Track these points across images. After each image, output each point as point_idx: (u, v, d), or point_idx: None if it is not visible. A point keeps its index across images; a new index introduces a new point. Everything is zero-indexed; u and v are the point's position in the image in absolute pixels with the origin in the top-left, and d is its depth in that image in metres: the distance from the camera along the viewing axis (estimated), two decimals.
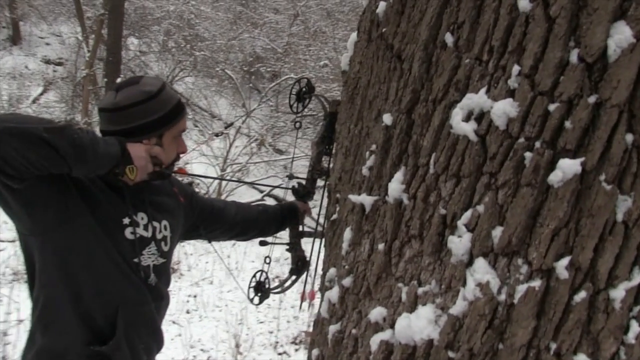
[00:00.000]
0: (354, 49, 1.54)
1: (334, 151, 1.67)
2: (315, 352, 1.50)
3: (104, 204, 1.47)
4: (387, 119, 1.26)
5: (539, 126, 1.02)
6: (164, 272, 1.63)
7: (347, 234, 1.39)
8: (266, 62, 15.79)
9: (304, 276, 2.02)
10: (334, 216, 1.51)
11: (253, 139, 12.31)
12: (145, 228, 1.56)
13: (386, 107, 1.30)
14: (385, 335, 1.22)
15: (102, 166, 1.37)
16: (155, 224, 1.59)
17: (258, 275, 1.99)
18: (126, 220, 1.51)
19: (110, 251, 1.47)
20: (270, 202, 13.93)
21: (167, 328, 4.74)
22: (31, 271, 1.46)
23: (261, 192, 13.52)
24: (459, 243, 1.10)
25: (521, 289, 1.04)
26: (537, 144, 1.03)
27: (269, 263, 2.05)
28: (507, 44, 1.07)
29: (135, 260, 1.53)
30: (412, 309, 1.18)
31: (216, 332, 4.67)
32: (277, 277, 6.05)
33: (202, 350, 4.49)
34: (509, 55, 1.06)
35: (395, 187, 1.22)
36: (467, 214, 1.10)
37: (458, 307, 1.09)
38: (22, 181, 1.28)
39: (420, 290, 1.17)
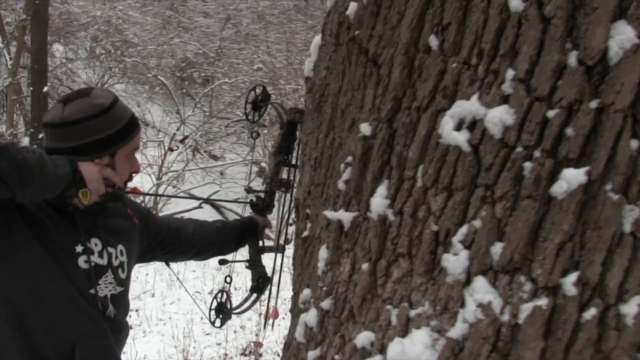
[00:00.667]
0: (318, 54, 1.43)
1: (299, 163, 1.56)
2: None
3: (52, 231, 1.29)
4: (364, 128, 1.17)
5: (537, 134, 0.96)
6: (122, 301, 1.46)
7: (323, 252, 1.28)
8: (198, 66, 15.42)
9: (266, 294, 1.92)
10: (305, 233, 1.40)
11: (188, 146, 11.97)
12: (100, 255, 1.39)
13: (362, 116, 1.20)
14: None
15: (51, 190, 1.20)
16: (111, 249, 1.42)
17: (219, 296, 1.85)
18: (79, 248, 1.34)
19: (63, 283, 1.30)
20: (207, 209, 13.63)
21: None
22: None
23: (198, 199, 13.17)
24: (455, 261, 1.02)
25: (526, 308, 0.97)
26: (537, 153, 0.96)
27: (229, 283, 1.91)
28: (498, 47, 1.00)
29: (92, 291, 1.36)
30: (404, 332, 1.09)
31: (162, 347, 4.44)
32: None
33: None
34: (500, 59, 0.99)
35: (379, 202, 1.12)
36: (463, 230, 1.02)
37: (457, 330, 1.01)
38: None
39: (412, 313, 1.08)
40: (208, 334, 4.90)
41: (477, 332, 0.99)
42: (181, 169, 11.48)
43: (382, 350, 1.12)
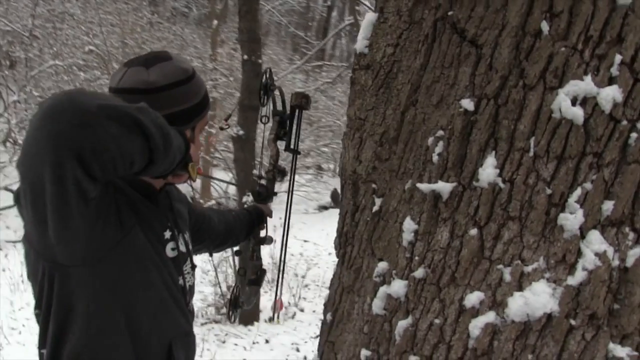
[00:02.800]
0: (374, 31, 1.47)
1: (343, 140, 1.58)
2: (364, 353, 1.42)
3: (146, 214, 1.14)
4: (467, 104, 1.26)
5: (639, 109, 1.16)
6: (193, 292, 1.34)
7: (410, 224, 1.34)
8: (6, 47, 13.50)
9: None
10: (375, 208, 1.44)
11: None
12: (181, 242, 1.26)
13: (454, 92, 1.29)
14: (487, 318, 1.23)
15: (174, 163, 1.07)
16: (185, 236, 1.30)
17: (236, 290, 1.78)
18: (167, 234, 1.21)
19: (163, 274, 1.17)
20: None
21: None
22: (58, 304, 1.08)
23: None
24: (573, 219, 1.18)
25: (632, 253, 1.17)
26: (638, 125, 1.16)
27: (243, 275, 1.85)
28: (604, 34, 1.17)
29: (180, 282, 1.23)
30: (519, 287, 1.22)
31: (29, 357, 3.97)
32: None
33: None
34: (606, 45, 1.17)
35: (490, 172, 1.23)
36: (578, 192, 1.18)
37: (577, 278, 1.17)
38: (97, 186, 0.92)
39: (528, 269, 1.21)
40: None
41: (597, 277, 1.17)
42: (7, 160, 10.03)
43: (493, 306, 1.24)
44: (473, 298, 1.25)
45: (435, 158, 1.31)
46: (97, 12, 12.11)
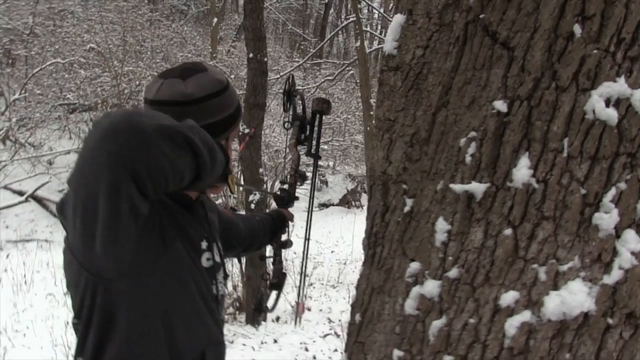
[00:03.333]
0: (402, 33, 1.49)
1: (375, 143, 1.59)
2: (397, 353, 1.44)
3: (184, 225, 1.16)
4: (500, 105, 1.28)
5: None
6: (224, 302, 1.36)
7: (442, 224, 1.36)
8: (6, 44, 13.47)
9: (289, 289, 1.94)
10: (406, 209, 1.45)
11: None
12: (216, 252, 1.28)
13: (486, 94, 1.31)
14: (523, 317, 1.25)
15: (216, 177, 1.08)
16: (218, 245, 1.32)
17: (259, 294, 1.81)
18: (204, 245, 1.22)
19: (199, 282, 1.18)
20: (33, 204, 12.11)
21: None
22: (99, 314, 1.09)
23: (22, 194, 11.67)
24: (608, 218, 1.20)
25: None
26: None
27: (267, 280, 1.87)
28: (636, 37, 1.19)
29: (214, 292, 1.25)
30: (555, 286, 1.23)
31: None
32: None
33: None
34: (639, 47, 1.19)
35: (524, 172, 1.25)
36: (612, 192, 1.20)
37: (613, 277, 1.20)
38: (148, 203, 0.93)
39: (563, 268, 1.23)
40: None
41: (634, 276, 1.19)
42: (7, 159, 10.03)
43: (529, 305, 1.25)
44: (508, 297, 1.27)
45: (467, 159, 1.32)
46: (97, 10, 12.12)
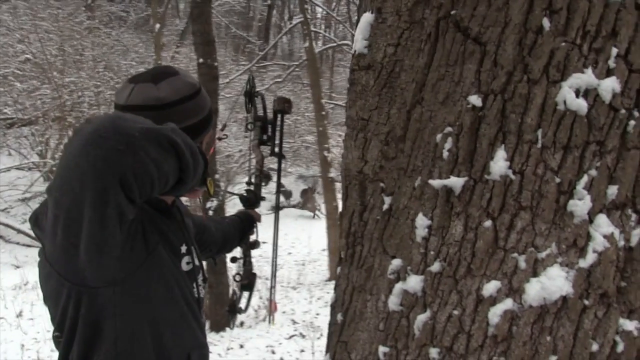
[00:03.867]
0: (373, 31, 1.50)
1: (348, 142, 1.59)
2: (382, 349, 1.44)
3: (165, 230, 1.13)
4: (474, 100, 1.30)
5: (634, 98, 1.24)
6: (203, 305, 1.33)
7: (421, 220, 1.38)
8: None
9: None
10: (384, 206, 1.46)
11: None
12: (195, 255, 1.25)
13: (459, 89, 1.33)
14: (505, 305, 1.29)
15: (196, 180, 1.06)
16: (196, 248, 1.29)
17: (234, 297, 1.79)
18: (183, 249, 1.20)
19: (182, 286, 1.16)
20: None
21: None
22: (84, 325, 1.04)
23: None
24: (582, 205, 1.24)
25: (636, 233, 1.25)
26: (636, 113, 1.24)
27: (239, 281, 1.85)
28: (600, 29, 1.24)
29: (196, 295, 1.22)
30: (534, 273, 1.27)
31: None
32: None
33: None
34: (603, 39, 1.24)
35: (501, 164, 1.28)
36: (584, 179, 1.25)
37: (588, 260, 1.24)
38: (134, 209, 0.90)
39: (542, 255, 1.27)
40: None
41: (606, 258, 1.24)
42: None
43: (510, 293, 1.29)
44: (490, 287, 1.30)
45: (445, 154, 1.35)
46: (29, 18, 11.59)
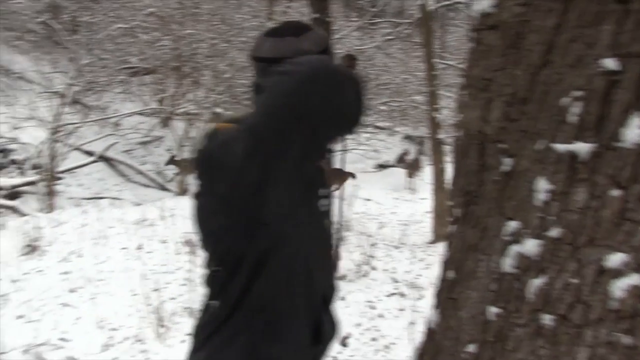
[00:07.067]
0: None
1: (468, 101, 1.58)
2: (493, 310, 1.46)
3: (313, 173, 1.33)
4: (610, 64, 1.24)
5: None
6: None
7: (542, 184, 1.35)
8: (66, 11, 13.91)
9: None
10: (504, 168, 1.45)
11: (66, 99, 10.91)
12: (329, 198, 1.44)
13: (593, 52, 1.27)
14: (631, 280, 1.24)
15: None
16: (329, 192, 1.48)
17: None
18: (323, 191, 1.43)
19: (325, 227, 1.40)
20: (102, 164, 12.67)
21: (62, 312, 4.16)
22: (251, 258, 1.18)
23: (91, 154, 12.23)
24: None
25: None
26: None
27: None
28: None
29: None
30: None
31: (118, 307, 4.28)
32: None
33: (113, 329, 4.00)
34: None
35: (636, 132, 1.22)
36: None
37: None
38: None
39: None
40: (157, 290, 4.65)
41: None
42: (75, 122, 10.50)
43: (638, 268, 1.24)
44: (615, 259, 1.26)
45: (571, 118, 1.30)
46: None
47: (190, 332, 1.31)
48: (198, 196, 1.19)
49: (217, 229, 1.19)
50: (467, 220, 1.58)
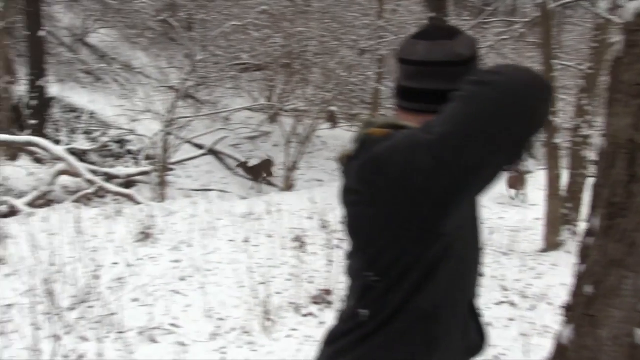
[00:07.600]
0: None
1: (616, 108, 1.48)
2: None
3: None
4: None
5: None
6: None
7: None
8: (183, 9, 14.71)
9: None
10: None
11: (180, 93, 11.54)
12: None
13: None
14: None
15: None
16: None
17: None
18: None
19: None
20: (209, 157, 13.31)
21: (173, 299, 4.36)
22: (420, 269, 1.14)
23: (201, 147, 12.91)
24: None
25: None
26: None
27: None
28: None
29: None
30: None
31: (225, 297, 4.40)
32: None
33: (220, 319, 4.11)
34: None
35: None
36: None
37: None
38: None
39: None
40: (262, 284, 4.67)
41: None
42: (188, 116, 11.13)
43: None
44: None
45: None
46: None
47: (323, 338, 1.26)
48: (353, 204, 1.16)
49: (383, 238, 1.13)
50: (611, 233, 1.47)
